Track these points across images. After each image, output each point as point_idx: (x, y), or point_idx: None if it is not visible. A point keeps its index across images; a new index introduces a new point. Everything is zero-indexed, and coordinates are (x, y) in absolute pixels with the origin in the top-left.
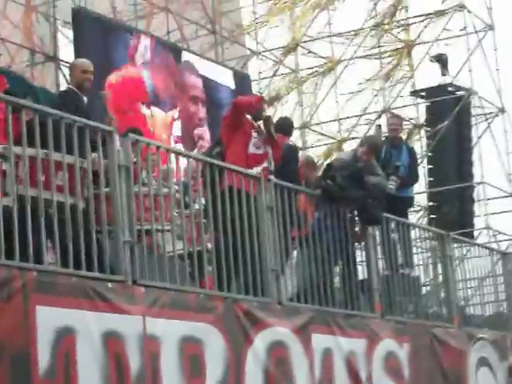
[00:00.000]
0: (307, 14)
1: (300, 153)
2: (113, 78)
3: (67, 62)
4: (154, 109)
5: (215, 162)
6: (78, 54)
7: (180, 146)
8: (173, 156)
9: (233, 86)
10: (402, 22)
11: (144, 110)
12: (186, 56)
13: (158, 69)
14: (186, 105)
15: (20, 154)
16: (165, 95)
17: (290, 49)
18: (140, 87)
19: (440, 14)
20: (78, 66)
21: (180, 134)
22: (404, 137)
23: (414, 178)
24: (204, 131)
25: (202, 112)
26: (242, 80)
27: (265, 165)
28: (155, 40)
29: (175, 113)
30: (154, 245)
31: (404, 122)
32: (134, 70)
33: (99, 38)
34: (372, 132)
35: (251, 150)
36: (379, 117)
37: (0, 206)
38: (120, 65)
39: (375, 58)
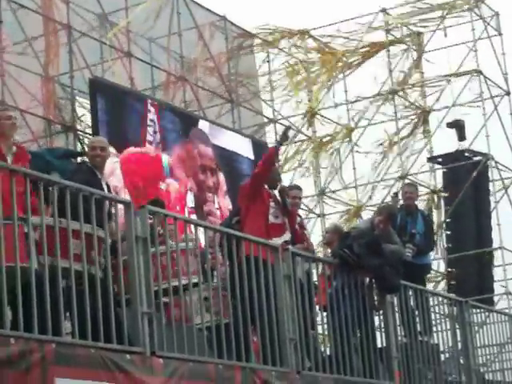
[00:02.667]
0: (324, 83)
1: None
2: (129, 153)
3: (85, 133)
4: (169, 181)
5: (232, 232)
6: (94, 125)
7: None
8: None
9: (252, 157)
10: (418, 88)
11: (160, 183)
12: (201, 125)
13: (172, 141)
14: (196, 174)
15: (38, 224)
16: (178, 165)
17: (308, 116)
18: (157, 167)
19: (456, 77)
20: (89, 143)
21: (193, 206)
22: (421, 204)
23: (430, 246)
24: (212, 207)
25: (210, 181)
26: (260, 148)
27: (286, 238)
28: (169, 109)
29: (188, 183)
30: (173, 315)
31: (421, 189)
32: (151, 148)
33: (115, 109)
34: (389, 199)
35: (271, 219)
36: (397, 183)
37: (18, 276)
38: (135, 136)
39: (390, 123)
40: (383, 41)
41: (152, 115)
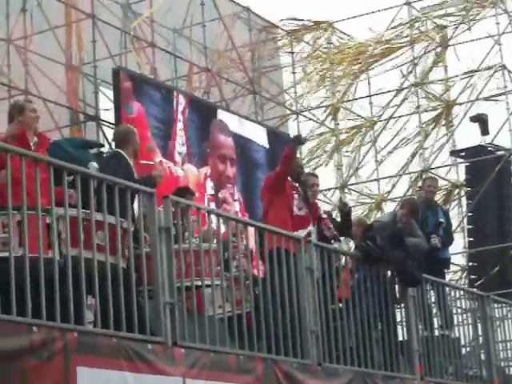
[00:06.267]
0: (347, 76)
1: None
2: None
3: (108, 122)
4: (188, 166)
5: (255, 223)
6: (117, 115)
7: (212, 205)
8: (213, 217)
9: (267, 145)
10: (442, 81)
11: (178, 170)
12: (220, 114)
13: (192, 126)
14: (215, 163)
15: (62, 214)
16: (196, 151)
17: (331, 110)
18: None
19: (480, 71)
20: (136, 132)
21: (213, 193)
22: (441, 198)
23: (450, 240)
24: (228, 194)
25: (230, 171)
26: (275, 137)
27: (309, 229)
28: (190, 98)
29: (207, 170)
30: (194, 306)
31: (443, 182)
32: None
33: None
34: (411, 192)
35: (295, 211)
36: (419, 177)
37: (41, 266)
38: (157, 127)
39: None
40: (407, 36)
41: (181, 108)
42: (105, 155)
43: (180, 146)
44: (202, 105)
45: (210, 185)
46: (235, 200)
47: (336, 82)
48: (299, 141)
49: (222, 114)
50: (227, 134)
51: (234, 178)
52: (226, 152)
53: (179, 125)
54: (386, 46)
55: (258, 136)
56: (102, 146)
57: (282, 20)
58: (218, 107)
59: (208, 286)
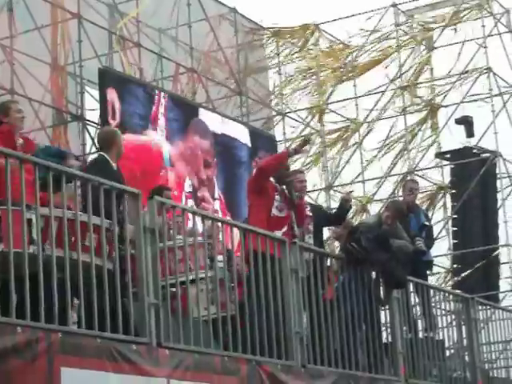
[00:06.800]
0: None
1: None
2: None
3: (93, 122)
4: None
5: (240, 224)
6: (103, 114)
7: (190, 203)
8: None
9: (249, 144)
10: (427, 84)
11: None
12: (202, 113)
13: (174, 125)
14: (198, 172)
15: (47, 214)
16: (179, 160)
17: (316, 111)
18: (157, 156)
19: (466, 75)
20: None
21: (191, 190)
22: (426, 200)
23: (431, 242)
24: (208, 192)
25: (203, 173)
26: (257, 137)
27: (284, 229)
28: (171, 97)
29: (187, 169)
30: (179, 307)
31: (428, 184)
32: (151, 135)
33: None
34: (396, 193)
35: (274, 212)
36: (404, 178)
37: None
38: (140, 125)
39: (400, 121)
40: (392, 46)
41: (162, 108)
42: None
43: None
44: (184, 104)
45: (188, 183)
46: (215, 199)
47: (321, 84)
48: (307, 142)
49: (203, 113)
50: (203, 135)
51: (208, 179)
52: (199, 153)
53: (160, 123)
54: (372, 57)
55: (241, 135)
56: (76, 157)
57: (268, 25)
58: (199, 106)
59: (192, 281)
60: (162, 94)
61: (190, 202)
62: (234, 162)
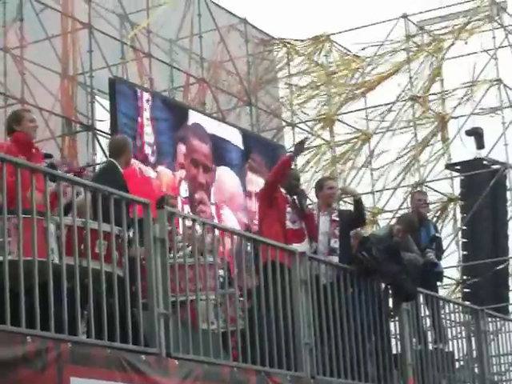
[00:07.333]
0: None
1: None
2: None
3: (104, 132)
4: (161, 168)
5: (251, 235)
6: (113, 124)
7: (187, 208)
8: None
9: (242, 146)
10: (438, 95)
11: (150, 172)
12: (192, 114)
13: (162, 125)
14: (189, 166)
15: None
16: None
17: (326, 122)
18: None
19: (476, 85)
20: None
21: (187, 195)
22: (436, 211)
23: (441, 254)
24: (204, 195)
25: (202, 177)
26: (277, 150)
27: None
28: (158, 97)
29: (182, 173)
30: (188, 318)
31: (438, 196)
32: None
33: (133, 109)
34: (406, 205)
35: (288, 224)
36: (414, 190)
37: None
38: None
39: (410, 132)
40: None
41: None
42: (98, 167)
43: (148, 145)
44: (173, 105)
45: (184, 187)
46: (212, 204)
47: (332, 96)
48: (303, 145)
49: (193, 115)
50: (202, 139)
51: (207, 184)
52: (198, 157)
53: (146, 122)
54: (381, 72)
55: (233, 136)
56: (51, 156)
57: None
58: (189, 108)
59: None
60: (146, 95)
61: (187, 208)
62: (224, 163)
